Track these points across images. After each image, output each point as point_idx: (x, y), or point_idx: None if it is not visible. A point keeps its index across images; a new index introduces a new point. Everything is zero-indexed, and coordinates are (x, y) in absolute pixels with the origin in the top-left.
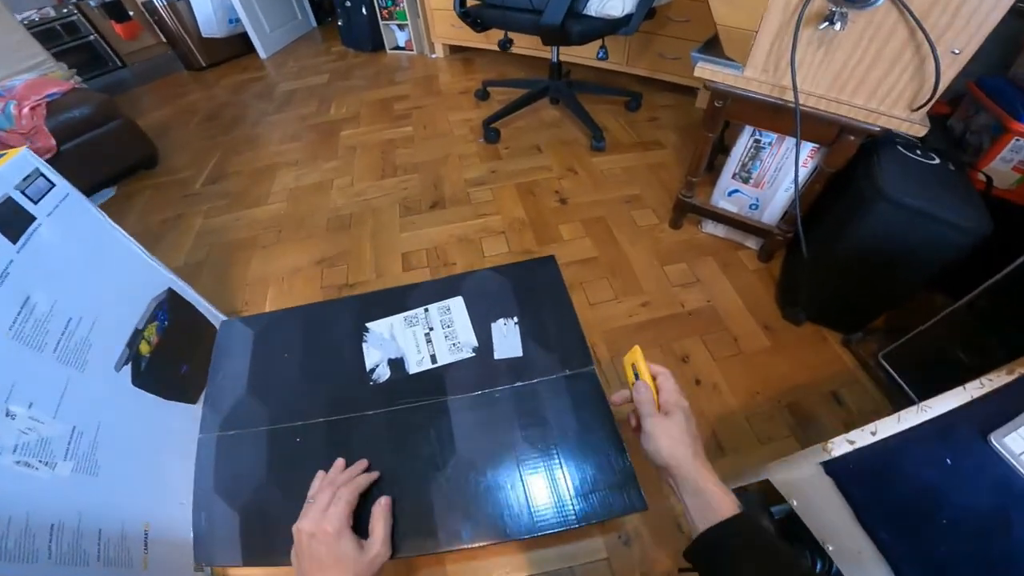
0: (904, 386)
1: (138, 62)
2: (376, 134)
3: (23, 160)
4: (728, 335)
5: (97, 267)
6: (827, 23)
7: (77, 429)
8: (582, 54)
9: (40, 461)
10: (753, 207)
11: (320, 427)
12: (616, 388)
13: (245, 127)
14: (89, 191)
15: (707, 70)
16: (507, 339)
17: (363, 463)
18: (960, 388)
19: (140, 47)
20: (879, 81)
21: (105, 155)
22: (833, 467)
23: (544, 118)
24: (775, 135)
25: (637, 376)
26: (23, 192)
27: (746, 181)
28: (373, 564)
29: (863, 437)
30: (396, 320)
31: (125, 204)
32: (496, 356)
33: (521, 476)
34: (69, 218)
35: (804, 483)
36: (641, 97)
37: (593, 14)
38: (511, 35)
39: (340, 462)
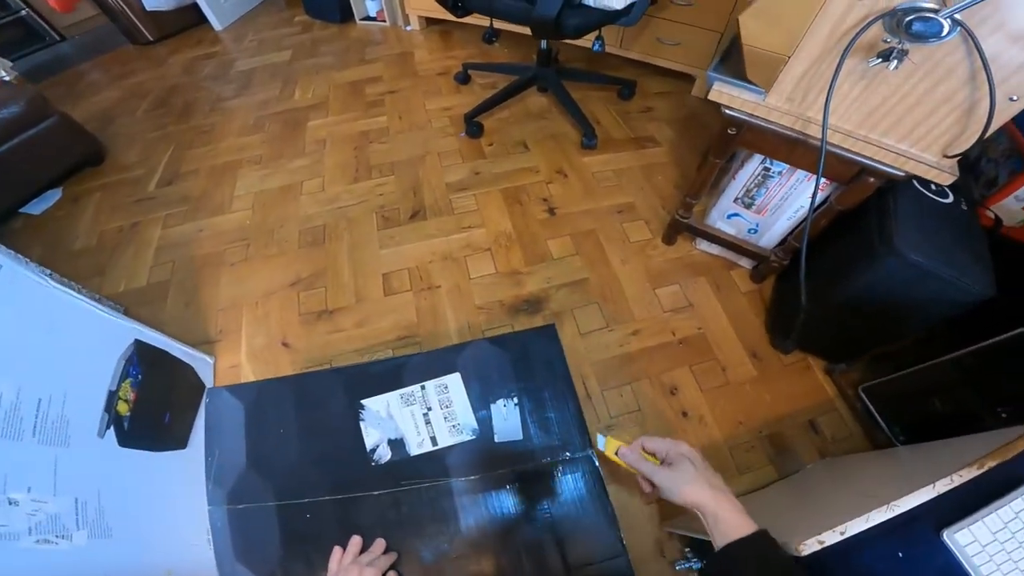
0: (879, 420)
1: (78, 35)
2: (347, 124)
3: None
4: (717, 365)
5: (54, 339)
6: (880, 60)
7: (80, 500)
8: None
9: (56, 536)
10: (752, 231)
11: (328, 505)
12: (605, 422)
13: (199, 115)
14: (33, 195)
15: (725, 94)
16: (507, 422)
17: (382, 543)
18: (930, 486)
19: (79, 19)
20: (918, 122)
21: (44, 156)
22: (800, 558)
23: (530, 107)
24: (787, 165)
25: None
26: None
27: (748, 207)
28: None
29: (832, 537)
30: (392, 398)
31: (74, 208)
32: (496, 439)
33: (521, 553)
34: (9, 294)
35: None
36: (635, 85)
37: (592, 4)
38: (497, 25)
39: (357, 540)
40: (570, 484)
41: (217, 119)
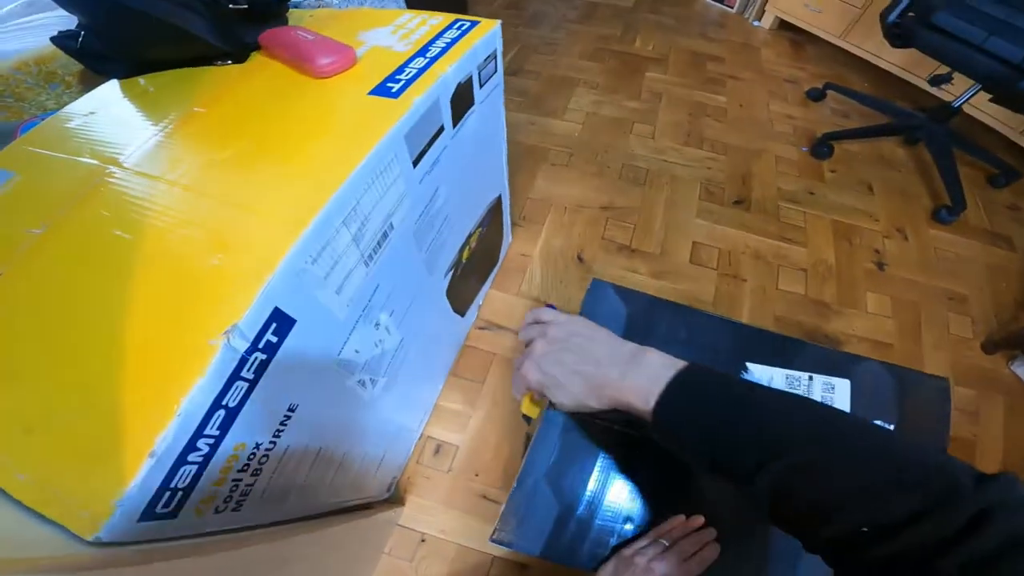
0: None
1: None
2: (685, 90)
3: (494, 37)
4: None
5: (477, 164)
6: None
7: (404, 342)
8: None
9: (371, 379)
10: None
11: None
12: None
13: (546, 27)
14: None
15: None
16: None
17: (709, 531)
18: None
19: None
20: None
21: None
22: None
23: (884, 152)
24: None
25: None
26: (479, 72)
27: None
28: None
29: None
30: (777, 373)
31: None
32: None
33: None
34: (489, 108)
35: None
36: (1017, 175)
37: None
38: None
39: (680, 520)
40: None
41: (560, 36)
